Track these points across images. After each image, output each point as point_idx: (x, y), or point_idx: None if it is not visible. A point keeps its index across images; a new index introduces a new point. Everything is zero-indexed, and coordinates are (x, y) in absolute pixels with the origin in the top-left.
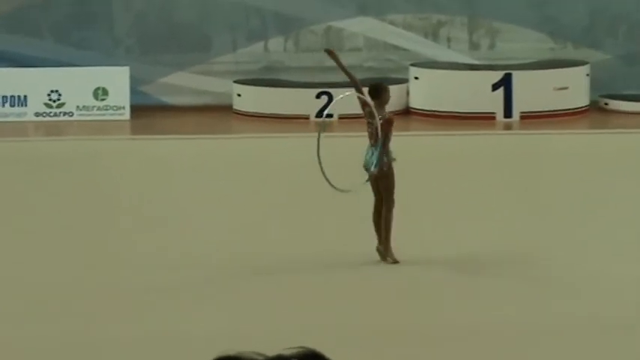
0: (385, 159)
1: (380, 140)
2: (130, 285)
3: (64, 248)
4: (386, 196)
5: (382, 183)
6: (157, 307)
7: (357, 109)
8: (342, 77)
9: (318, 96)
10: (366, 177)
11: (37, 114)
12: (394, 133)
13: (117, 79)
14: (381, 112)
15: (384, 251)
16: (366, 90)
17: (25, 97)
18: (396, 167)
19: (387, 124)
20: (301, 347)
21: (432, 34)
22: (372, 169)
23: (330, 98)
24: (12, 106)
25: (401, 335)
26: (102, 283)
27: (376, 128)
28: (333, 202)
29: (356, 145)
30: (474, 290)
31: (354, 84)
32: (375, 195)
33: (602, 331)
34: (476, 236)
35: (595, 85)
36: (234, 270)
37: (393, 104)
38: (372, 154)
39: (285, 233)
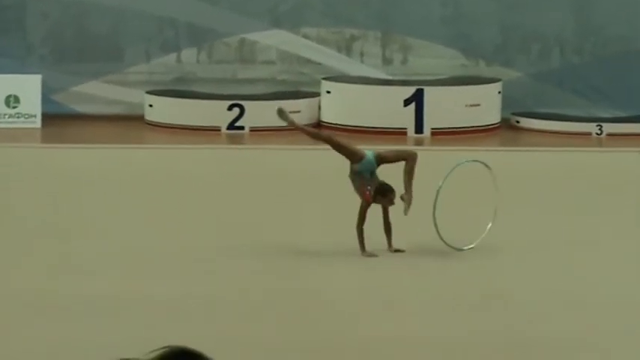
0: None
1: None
2: (35, 295)
3: None
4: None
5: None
6: (60, 316)
7: (268, 122)
8: (254, 89)
9: (229, 108)
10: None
11: None
12: None
13: (29, 87)
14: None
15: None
16: None
17: None
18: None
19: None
20: (168, 346)
21: (346, 48)
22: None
23: (242, 110)
24: None
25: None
26: (6, 293)
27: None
28: (242, 215)
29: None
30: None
31: (328, 141)
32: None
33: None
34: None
35: (507, 102)
36: (142, 279)
37: (304, 118)
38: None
39: (194, 244)
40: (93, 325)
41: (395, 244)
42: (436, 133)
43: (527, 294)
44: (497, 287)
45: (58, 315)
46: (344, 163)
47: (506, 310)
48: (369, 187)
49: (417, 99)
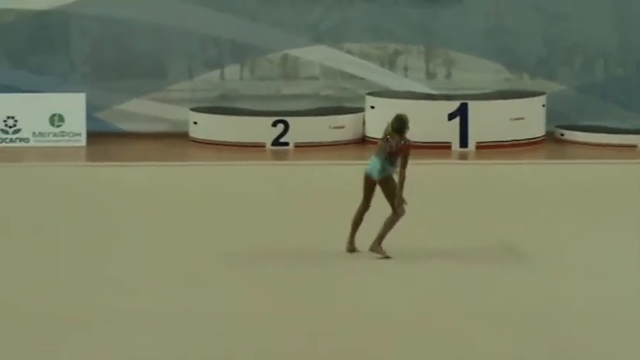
0: (390, 169)
1: (386, 154)
2: (85, 310)
3: (18, 273)
4: (391, 202)
5: (385, 190)
6: (108, 331)
7: (313, 138)
8: (297, 105)
9: (274, 124)
10: None
11: None
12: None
13: (73, 106)
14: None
15: (378, 246)
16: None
17: None
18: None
19: (404, 149)
20: None
21: (389, 63)
22: (376, 176)
23: (287, 126)
24: None
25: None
26: (56, 309)
27: (392, 144)
28: (291, 230)
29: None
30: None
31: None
32: (365, 199)
33: None
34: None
35: (551, 115)
36: (185, 294)
37: (348, 133)
38: (377, 163)
39: (238, 259)
40: (136, 340)
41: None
42: (481, 146)
43: (571, 304)
44: (541, 299)
45: (101, 329)
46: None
47: (549, 321)
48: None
49: (462, 113)
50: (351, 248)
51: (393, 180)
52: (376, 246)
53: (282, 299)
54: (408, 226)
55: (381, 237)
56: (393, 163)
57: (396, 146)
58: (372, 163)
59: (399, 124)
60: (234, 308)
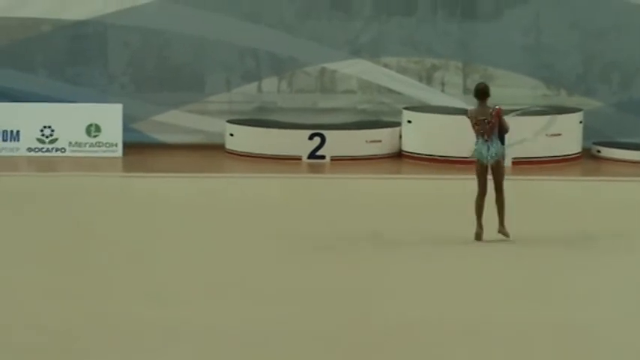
0: (502, 149)
1: (495, 132)
2: (119, 321)
3: (54, 284)
4: (500, 182)
5: (499, 170)
6: (142, 342)
7: (349, 151)
8: (334, 119)
9: (310, 137)
10: None
11: (29, 149)
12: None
13: (110, 116)
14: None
15: (502, 227)
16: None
17: (18, 132)
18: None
19: (498, 114)
20: None
21: (426, 77)
22: (490, 159)
23: (323, 139)
24: (5, 140)
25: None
26: (92, 320)
27: (488, 123)
28: (328, 242)
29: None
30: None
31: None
32: (481, 185)
33: None
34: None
35: (588, 132)
36: (225, 308)
37: (385, 147)
38: (489, 147)
39: (277, 272)
40: (174, 353)
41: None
42: (517, 162)
43: (602, 327)
44: (574, 320)
45: (138, 342)
46: (424, 191)
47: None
48: None
49: None
50: (480, 235)
51: (502, 160)
52: (503, 228)
53: (319, 310)
54: (442, 236)
55: (502, 219)
56: (502, 140)
57: (493, 114)
58: (478, 148)
59: (486, 90)
60: (269, 320)
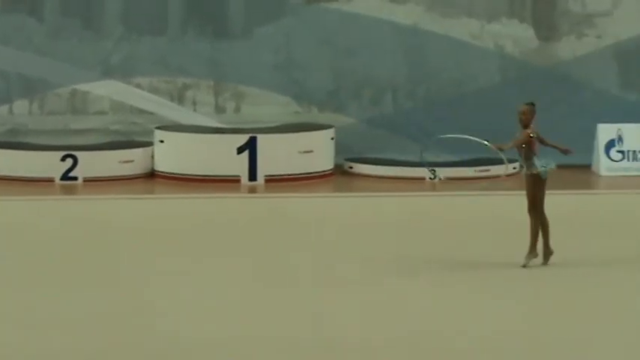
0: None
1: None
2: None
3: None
4: (542, 201)
5: (541, 188)
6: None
7: (102, 172)
8: (87, 140)
9: (63, 159)
10: None
11: None
12: None
13: None
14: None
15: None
16: None
17: None
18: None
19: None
20: None
21: (178, 97)
22: (545, 174)
23: (75, 161)
24: None
25: None
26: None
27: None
28: (75, 264)
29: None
30: None
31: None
32: (533, 204)
33: None
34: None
35: (340, 148)
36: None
37: (137, 167)
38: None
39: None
40: None
41: None
42: (270, 180)
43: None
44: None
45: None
46: (177, 212)
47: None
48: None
49: (251, 147)
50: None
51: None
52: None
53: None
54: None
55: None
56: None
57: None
58: (537, 164)
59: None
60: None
